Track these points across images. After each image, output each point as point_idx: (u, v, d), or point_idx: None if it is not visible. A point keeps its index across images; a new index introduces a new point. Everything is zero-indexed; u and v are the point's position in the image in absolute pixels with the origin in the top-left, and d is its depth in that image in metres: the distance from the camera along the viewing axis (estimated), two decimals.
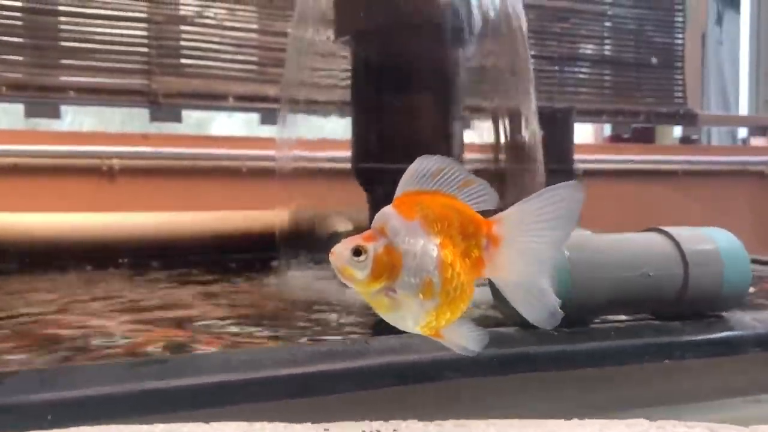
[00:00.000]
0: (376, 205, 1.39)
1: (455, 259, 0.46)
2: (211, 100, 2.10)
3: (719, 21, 3.28)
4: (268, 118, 2.14)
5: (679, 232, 0.72)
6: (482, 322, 0.56)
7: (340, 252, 0.44)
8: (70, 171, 1.86)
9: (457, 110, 1.35)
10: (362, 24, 1.33)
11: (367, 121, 1.37)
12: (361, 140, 1.38)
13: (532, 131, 1.42)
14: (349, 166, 1.42)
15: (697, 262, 0.70)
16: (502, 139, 1.46)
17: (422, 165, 0.46)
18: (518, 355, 0.62)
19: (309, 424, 0.47)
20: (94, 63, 2.00)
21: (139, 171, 1.92)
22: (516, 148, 1.44)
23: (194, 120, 2.37)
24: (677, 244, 0.71)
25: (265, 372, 0.54)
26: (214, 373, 0.53)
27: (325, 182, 1.64)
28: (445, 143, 1.34)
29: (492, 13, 1.36)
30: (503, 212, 0.48)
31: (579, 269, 0.65)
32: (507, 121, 1.46)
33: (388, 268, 0.43)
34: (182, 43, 2.09)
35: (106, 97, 2.00)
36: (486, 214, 0.48)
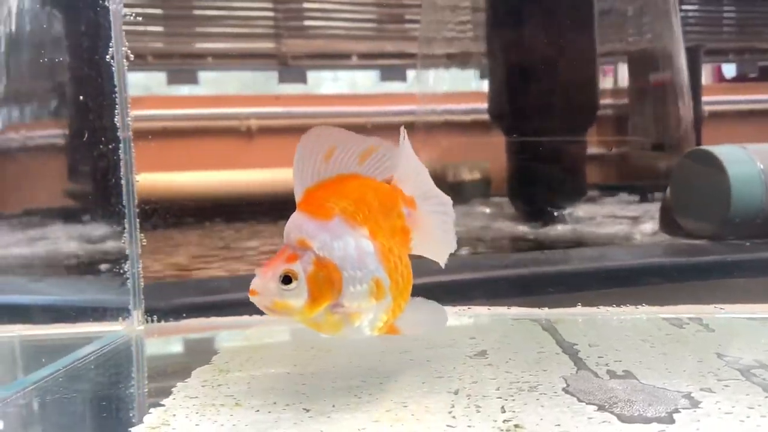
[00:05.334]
0: (513, 150, 1.43)
1: (390, 243, 0.39)
2: (335, 60, 2.17)
3: None
4: (389, 74, 2.19)
5: None
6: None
7: (265, 286, 0.34)
8: (212, 132, 1.99)
9: (595, 51, 1.35)
10: None
11: (505, 65, 1.40)
12: (500, 83, 1.41)
13: (679, 71, 1.40)
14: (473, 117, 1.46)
15: None
16: (647, 81, 1.45)
17: (309, 149, 0.40)
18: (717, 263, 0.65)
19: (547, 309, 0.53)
20: (227, 29, 2.11)
21: (273, 130, 2.03)
22: (662, 89, 1.43)
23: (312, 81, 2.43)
24: None
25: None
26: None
27: (452, 133, 1.68)
28: (584, 85, 1.35)
29: None
30: (397, 171, 0.43)
31: None
32: (653, 62, 1.44)
33: (327, 285, 0.35)
34: (305, 5, 2.17)
35: (240, 62, 2.11)
36: None
